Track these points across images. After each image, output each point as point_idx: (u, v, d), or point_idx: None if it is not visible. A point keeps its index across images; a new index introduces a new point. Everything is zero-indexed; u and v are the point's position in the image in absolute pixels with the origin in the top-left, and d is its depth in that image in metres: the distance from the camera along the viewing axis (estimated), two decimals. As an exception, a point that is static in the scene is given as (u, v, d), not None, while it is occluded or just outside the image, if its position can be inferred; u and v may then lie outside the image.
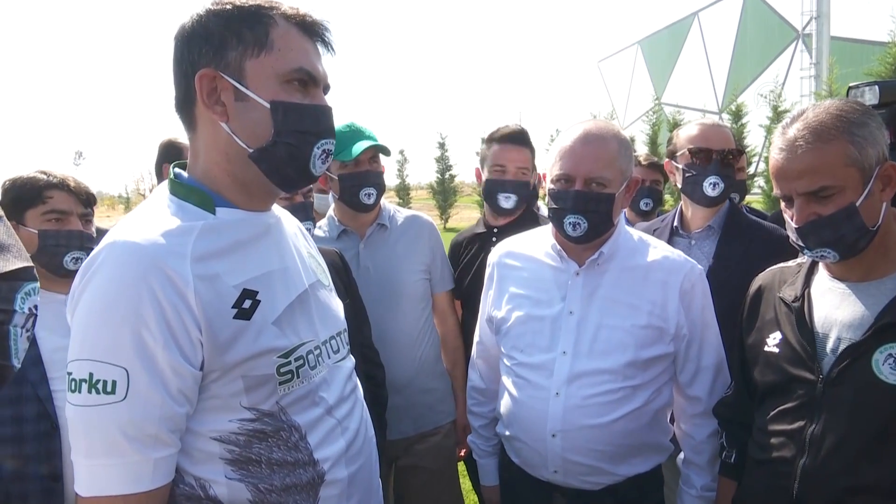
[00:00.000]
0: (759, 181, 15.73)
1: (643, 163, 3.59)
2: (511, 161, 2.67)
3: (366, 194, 2.48)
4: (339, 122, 2.52)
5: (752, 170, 16.03)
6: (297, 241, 1.48)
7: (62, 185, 2.07)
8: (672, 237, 2.47)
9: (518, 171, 2.68)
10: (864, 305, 1.50)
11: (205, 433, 1.22)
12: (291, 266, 1.38)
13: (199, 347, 1.17)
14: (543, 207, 2.99)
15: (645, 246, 1.96)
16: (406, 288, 2.56)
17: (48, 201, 2.05)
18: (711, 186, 2.35)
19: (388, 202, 2.70)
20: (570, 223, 1.83)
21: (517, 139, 2.71)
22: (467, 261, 2.77)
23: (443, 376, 2.67)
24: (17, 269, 0.97)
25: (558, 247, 1.94)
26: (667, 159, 2.55)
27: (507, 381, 2.00)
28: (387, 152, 2.56)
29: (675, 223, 2.52)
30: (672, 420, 2.04)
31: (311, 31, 1.30)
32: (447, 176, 26.64)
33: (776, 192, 1.55)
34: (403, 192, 28.04)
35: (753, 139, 16.32)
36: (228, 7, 1.24)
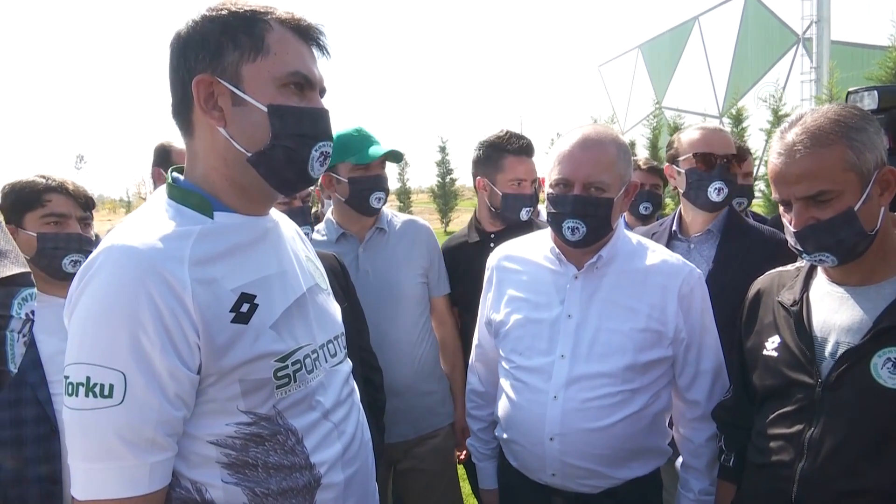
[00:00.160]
0: (760, 185, 15.73)
1: (643, 167, 3.59)
2: (528, 174, 2.70)
3: (376, 198, 2.49)
4: (341, 126, 2.54)
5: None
6: (296, 245, 1.49)
7: (61, 189, 2.08)
8: (671, 241, 2.47)
9: (532, 183, 2.72)
10: (862, 309, 1.50)
11: (202, 437, 1.22)
12: (289, 270, 1.38)
13: (196, 351, 1.17)
14: (544, 212, 3.00)
15: (643, 249, 1.96)
16: (405, 291, 2.57)
17: (47, 205, 2.05)
18: (716, 192, 2.35)
19: (386, 206, 2.70)
20: (568, 227, 1.83)
21: (530, 151, 2.73)
22: (464, 266, 2.76)
23: (441, 379, 2.68)
24: (13, 275, 0.97)
25: (557, 250, 1.94)
26: (667, 164, 2.55)
27: (505, 384, 2.00)
28: (401, 158, 2.58)
29: (674, 227, 2.52)
30: (671, 424, 2.04)
31: (307, 35, 1.31)
32: (448, 180, 26.65)
33: (775, 196, 1.55)
34: (404, 196, 28.04)
35: (754, 143, 16.31)
36: (224, 13, 1.25)
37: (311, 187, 2.19)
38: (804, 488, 1.48)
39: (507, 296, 2.03)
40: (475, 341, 2.26)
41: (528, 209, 2.71)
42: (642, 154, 15.00)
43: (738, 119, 16.56)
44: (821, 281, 1.62)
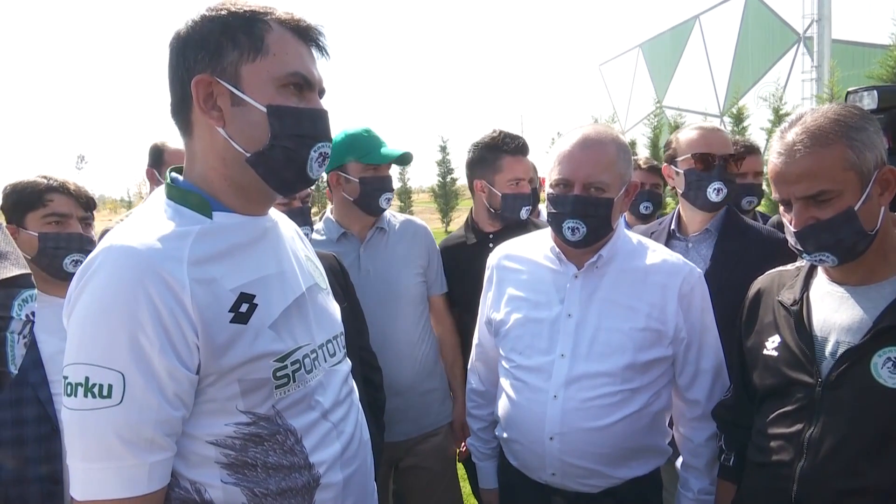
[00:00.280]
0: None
1: (643, 166, 3.59)
2: (525, 173, 2.72)
3: (385, 199, 2.52)
4: (349, 126, 2.56)
5: (753, 172, 15.97)
6: (295, 245, 1.49)
7: (62, 189, 2.10)
8: (669, 240, 2.47)
9: (529, 182, 2.74)
10: (862, 309, 1.50)
11: (201, 437, 1.22)
12: (288, 269, 1.38)
13: (195, 351, 1.17)
14: (544, 212, 3.00)
15: (644, 249, 1.96)
16: (406, 291, 2.59)
17: (48, 204, 2.07)
18: (716, 192, 2.35)
19: None
20: (568, 228, 1.83)
21: (526, 150, 2.75)
22: (464, 267, 2.77)
23: (442, 377, 2.70)
24: (14, 276, 0.98)
25: (557, 249, 1.94)
26: (665, 164, 2.55)
27: (505, 383, 2.00)
28: (411, 160, 2.62)
29: (673, 226, 2.53)
30: (671, 423, 2.04)
31: (306, 35, 1.31)
32: (448, 179, 26.65)
33: (775, 196, 1.55)
34: (405, 196, 28.04)
35: (755, 142, 16.27)
36: (223, 13, 1.25)
37: (312, 187, 2.20)
38: (804, 487, 1.48)
39: (507, 295, 2.03)
40: (475, 340, 2.26)
41: (527, 208, 2.72)
42: (643, 153, 15.00)
43: (738, 118, 16.53)
44: (821, 280, 1.62)
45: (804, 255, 1.53)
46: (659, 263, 1.91)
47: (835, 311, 1.55)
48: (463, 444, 2.53)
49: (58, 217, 2.08)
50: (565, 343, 1.86)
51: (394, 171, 2.63)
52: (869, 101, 1.82)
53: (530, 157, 3.67)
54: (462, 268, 2.77)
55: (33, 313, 1.00)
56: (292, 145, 1.26)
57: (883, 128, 1.51)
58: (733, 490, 1.77)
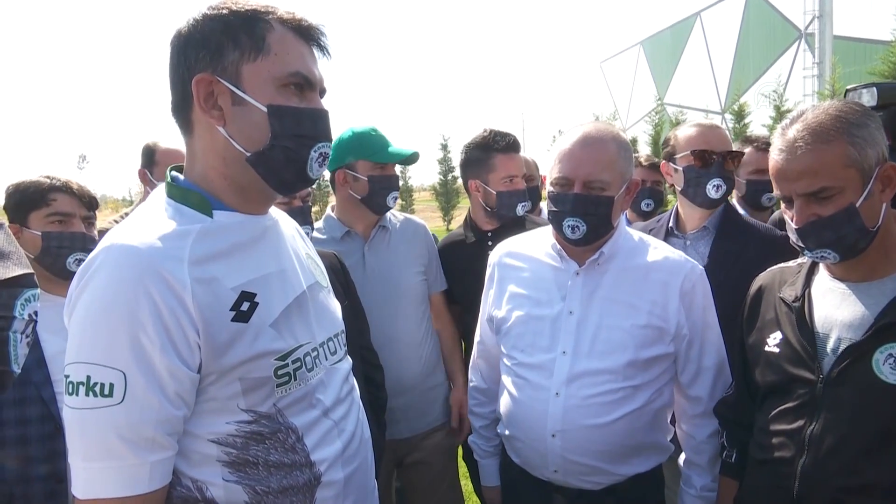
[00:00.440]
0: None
1: (644, 164, 3.59)
2: (518, 169, 2.73)
3: (392, 197, 2.54)
4: (356, 125, 2.57)
5: (755, 169, 15.95)
6: (296, 243, 1.49)
7: (65, 189, 2.11)
8: (667, 238, 2.47)
9: (522, 178, 2.75)
10: (864, 306, 1.50)
11: (202, 435, 1.22)
12: (289, 268, 1.38)
13: (196, 350, 1.17)
14: (545, 209, 3.01)
15: (645, 246, 1.96)
16: (410, 289, 2.60)
17: (52, 204, 2.09)
18: (715, 188, 2.35)
19: None
20: (569, 226, 1.83)
21: (518, 147, 2.76)
22: (463, 266, 2.79)
23: (444, 374, 2.72)
24: (17, 276, 0.98)
25: (558, 247, 1.94)
26: (663, 161, 2.55)
27: (507, 380, 2.00)
28: (418, 160, 2.63)
29: (671, 224, 2.53)
30: (673, 420, 2.04)
31: (307, 35, 1.30)
32: (450, 177, 26.66)
33: (776, 192, 1.55)
34: (406, 194, 28.06)
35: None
36: (225, 12, 1.24)
37: (313, 186, 2.20)
38: (805, 484, 1.48)
39: (508, 292, 2.03)
40: (477, 338, 2.26)
41: (523, 204, 2.73)
42: (644, 151, 14.99)
43: (740, 115, 16.53)
44: (823, 277, 1.62)
45: (806, 251, 1.53)
46: (660, 261, 1.91)
47: (836, 307, 1.55)
48: (465, 423, 2.54)
49: (61, 216, 2.09)
50: (567, 340, 1.86)
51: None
52: (868, 98, 1.81)
53: (532, 154, 3.67)
54: (462, 266, 2.79)
55: (36, 313, 1.00)
56: (292, 145, 1.26)
57: (882, 125, 1.51)
58: (735, 487, 1.77)
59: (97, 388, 1.10)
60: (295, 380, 1.29)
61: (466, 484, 2.99)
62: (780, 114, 15.30)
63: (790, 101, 16.05)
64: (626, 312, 1.85)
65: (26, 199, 2.08)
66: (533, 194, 3.53)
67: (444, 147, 26.86)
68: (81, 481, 1.13)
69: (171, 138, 3.50)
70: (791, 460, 1.52)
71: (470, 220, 2.90)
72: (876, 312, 1.47)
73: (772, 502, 1.57)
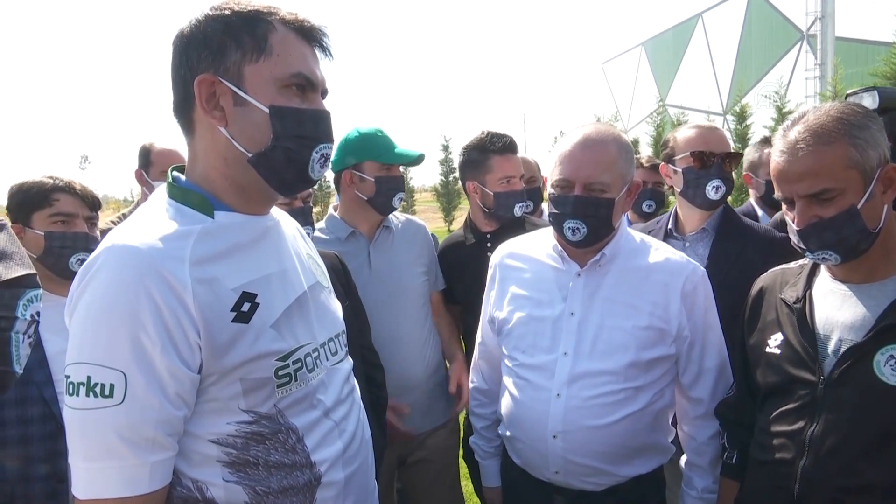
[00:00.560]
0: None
1: (645, 165, 3.59)
2: (515, 170, 2.73)
3: (398, 198, 2.56)
4: (344, 127, 2.57)
5: (756, 171, 15.95)
6: (297, 243, 1.49)
7: (68, 189, 2.13)
8: (666, 239, 2.47)
9: (521, 178, 2.76)
10: (865, 307, 1.50)
11: (203, 436, 1.22)
12: (290, 268, 1.38)
13: (197, 351, 1.17)
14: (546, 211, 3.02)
15: (647, 247, 1.96)
16: (414, 289, 2.62)
17: (55, 204, 2.10)
18: (714, 190, 2.35)
19: None
20: (569, 228, 1.83)
21: (515, 147, 2.77)
22: (463, 267, 2.81)
23: (446, 372, 2.73)
24: (19, 277, 0.98)
25: (560, 248, 1.94)
26: (662, 163, 2.55)
27: (508, 381, 2.00)
28: (423, 161, 2.64)
29: (670, 225, 2.53)
30: (674, 422, 2.04)
31: (310, 36, 1.30)
32: (451, 178, 26.68)
33: (778, 194, 1.55)
34: (407, 195, 28.07)
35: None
36: (227, 12, 1.24)
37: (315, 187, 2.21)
38: (806, 485, 1.48)
39: (509, 293, 2.03)
40: (478, 339, 2.26)
41: (520, 205, 2.74)
42: (646, 152, 14.97)
43: (741, 116, 16.51)
44: (824, 278, 1.62)
45: (807, 253, 1.53)
46: (662, 262, 1.91)
47: (837, 308, 1.55)
48: (464, 390, 2.55)
49: (64, 216, 2.11)
50: (568, 341, 1.86)
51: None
52: (870, 102, 1.81)
53: (533, 155, 3.68)
54: (461, 267, 2.81)
55: (38, 313, 1.01)
56: (294, 146, 1.26)
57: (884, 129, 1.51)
58: (736, 488, 1.77)
59: (98, 389, 1.10)
60: (296, 380, 1.29)
61: (467, 485, 2.99)
62: (781, 115, 15.28)
63: (792, 103, 16.03)
64: (627, 313, 1.85)
65: (29, 199, 2.09)
66: (534, 195, 3.54)
67: (446, 148, 26.91)
68: (82, 481, 1.13)
69: (168, 139, 3.54)
70: (791, 461, 1.52)
71: (470, 222, 2.91)
72: (877, 314, 1.47)
73: (772, 503, 1.57)
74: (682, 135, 2.47)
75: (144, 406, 1.12)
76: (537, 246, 2.04)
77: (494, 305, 2.09)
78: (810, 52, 21.30)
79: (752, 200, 3.47)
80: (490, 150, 2.73)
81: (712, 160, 2.36)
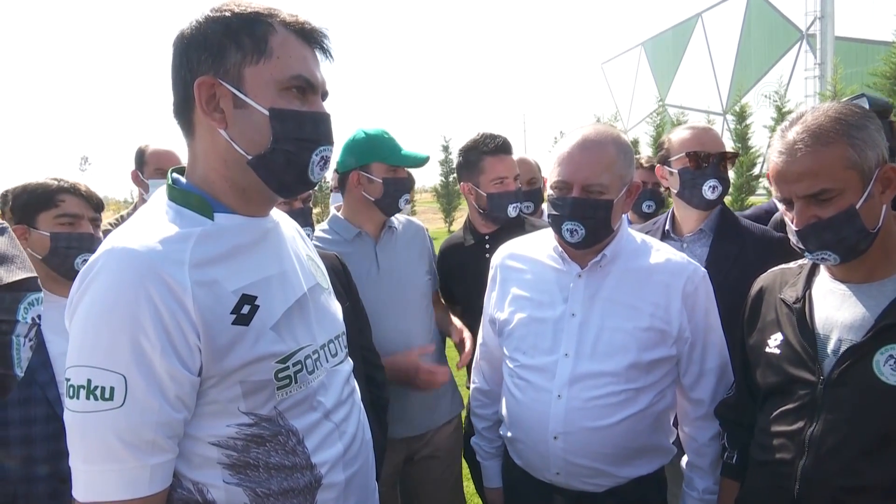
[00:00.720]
0: (764, 182, 15.68)
1: (645, 165, 3.59)
2: (508, 171, 2.74)
3: (404, 200, 2.56)
4: (344, 128, 2.57)
5: (756, 170, 16.00)
6: (296, 245, 1.49)
7: (74, 190, 2.15)
8: (663, 240, 2.47)
9: (515, 179, 2.76)
10: (864, 307, 1.50)
11: (203, 438, 1.22)
12: (290, 270, 1.38)
13: (197, 353, 1.17)
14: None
15: (648, 248, 1.96)
16: (420, 287, 2.64)
17: (60, 205, 2.12)
18: (711, 189, 2.36)
19: None
20: (567, 230, 1.84)
21: (508, 148, 2.77)
22: (462, 268, 2.82)
23: (449, 368, 2.72)
24: (20, 280, 0.99)
25: (560, 249, 1.94)
26: (658, 165, 2.56)
27: (509, 382, 2.00)
28: (427, 162, 2.66)
29: (667, 226, 2.53)
30: (675, 423, 2.04)
31: (310, 38, 1.30)
32: (451, 179, 26.70)
33: (776, 195, 1.55)
34: (408, 196, 28.06)
35: (758, 140, 16.29)
36: (228, 14, 1.24)
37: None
38: (805, 485, 1.48)
39: (510, 294, 2.03)
40: (479, 340, 2.26)
41: (514, 205, 2.74)
42: (645, 152, 14.96)
43: (741, 116, 16.52)
44: (823, 278, 1.62)
45: (806, 253, 1.53)
46: (663, 263, 1.91)
47: (837, 308, 1.55)
48: (467, 353, 2.56)
49: (70, 217, 2.13)
50: (569, 342, 1.86)
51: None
52: None
53: (533, 156, 3.67)
54: (461, 269, 2.82)
55: (39, 316, 1.01)
56: (294, 149, 1.26)
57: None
58: (736, 488, 1.77)
59: (98, 392, 1.10)
60: (295, 382, 1.29)
61: (468, 485, 2.99)
62: (781, 115, 15.29)
63: (791, 102, 16.04)
64: (628, 314, 1.85)
65: (35, 200, 2.11)
66: (535, 196, 3.54)
67: (446, 149, 26.93)
68: (82, 484, 1.14)
69: (164, 140, 3.59)
70: (791, 461, 1.52)
71: (469, 224, 2.93)
72: (876, 314, 1.47)
73: (772, 503, 1.57)
74: (677, 136, 2.48)
75: (144, 409, 1.12)
76: (538, 247, 2.04)
77: (495, 306, 2.09)
78: (810, 52, 21.32)
79: (774, 198, 3.47)
80: (482, 151, 2.74)
81: (708, 160, 2.37)
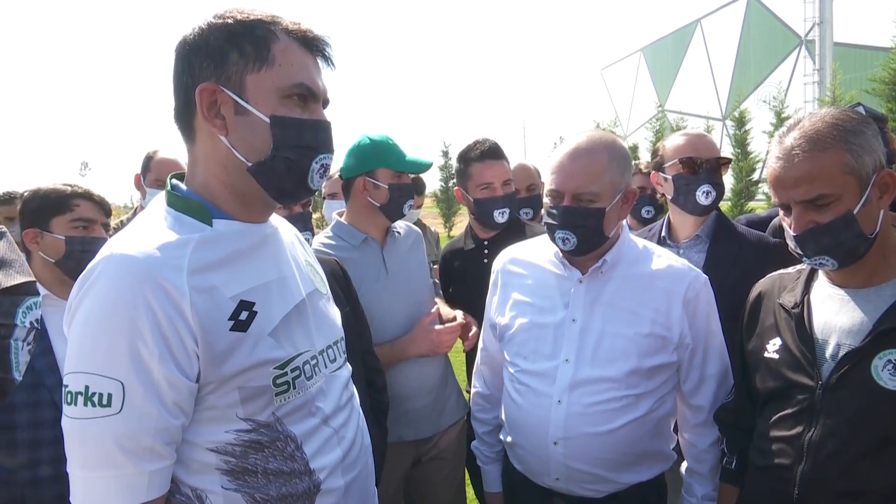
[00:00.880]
0: (764, 187, 15.70)
1: (644, 171, 3.59)
2: (497, 177, 2.75)
3: (408, 205, 2.57)
4: (346, 133, 2.59)
5: (755, 176, 16.03)
6: (295, 250, 1.49)
7: (87, 196, 2.23)
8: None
9: (503, 185, 2.76)
10: (863, 311, 1.50)
11: (201, 444, 1.22)
12: (289, 276, 1.38)
13: (195, 359, 1.17)
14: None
15: (649, 254, 1.96)
16: (426, 291, 2.66)
17: (75, 209, 2.18)
18: (704, 195, 2.36)
19: None
20: (560, 238, 1.85)
21: (495, 154, 2.78)
22: (461, 272, 2.84)
23: (452, 369, 2.75)
24: (19, 284, 0.99)
25: (561, 255, 1.94)
26: (653, 171, 2.57)
27: (509, 387, 2.00)
28: (429, 168, 2.68)
29: (663, 233, 2.54)
30: (676, 428, 2.04)
31: (312, 45, 1.30)
32: (451, 184, 26.74)
33: (774, 200, 1.56)
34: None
35: (757, 145, 16.31)
36: (230, 21, 1.25)
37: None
38: (805, 490, 1.48)
39: (511, 299, 2.03)
40: (480, 344, 2.26)
41: (500, 210, 2.74)
42: (645, 158, 14.98)
43: (740, 122, 16.54)
44: (822, 283, 1.62)
45: (804, 258, 1.53)
46: (664, 269, 1.90)
47: (835, 313, 1.55)
48: (471, 334, 2.57)
49: (84, 222, 2.19)
50: (570, 348, 1.86)
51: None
52: None
53: (532, 161, 3.68)
54: (460, 273, 2.85)
55: (37, 320, 1.01)
56: (294, 156, 1.26)
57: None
58: (736, 493, 1.77)
59: (95, 398, 1.10)
60: (294, 388, 1.29)
61: (468, 490, 2.99)
62: (780, 120, 15.31)
63: (791, 108, 16.06)
64: (629, 320, 1.85)
65: (49, 204, 2.17)
66: (534, 202, 3.54)
67: (445, 154, 26.97)
68: (80, 491, 1.14)
69: (172, 146, 3.59)
70: (790, 466, 1.52)
71: (469, 228, 2.95)
72: (875, 318, 1.47)
73: (772, 508, 1.57)
74: (671, 143, 2.50)
75: (142, 415, 1.12)
76: (540, 252, 2.04)
77: (496, 311, 2.09)
78: (809, 58, 21.39)
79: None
80: (470, 157, 2.77)
81: (701, 166, 2.38)
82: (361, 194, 2.54)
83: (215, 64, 1.23)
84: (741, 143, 16.39)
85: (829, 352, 1.52)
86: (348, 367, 1.54)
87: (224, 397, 1.22)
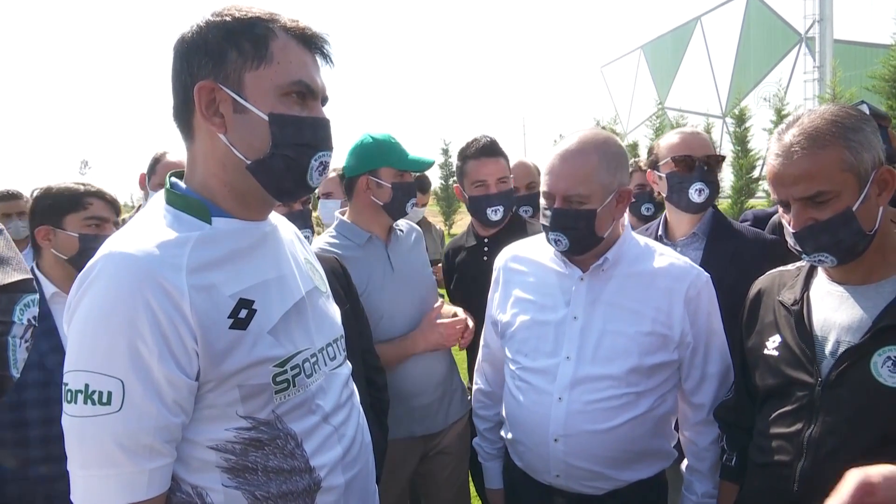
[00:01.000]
0: (764, 185, 15.71)
1: (643, 168, 3.59)
2: (490, 174, 2.75)
3: (411, 204, 2.58)
4: (346, 132, 2.59)
5: (755, 173, 16.03)
6: (294, 248, 1.49)
7: (100, 195, 2.28)
8: None
9: (499, 182, 2.76)
10: (862, 308, 1.50)
11: (201, 442, 1.22)
12: (288, 274, 1.38)
13: (194, 358, 1.17)
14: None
15: (651, 252, 1.95)
16: (429, 287, 2.67)
17: (89, 207, 2.23)
18: (697, 192, 2.37)
19: None
20: (553, 239, 1.86)
21: (491, 151, 2.78)
22: (462, 269, 2.86)
23: (456, 366, 2.76)
24: (16, 282, 0.99)
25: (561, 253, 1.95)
26: (648, 170, 2.57)
27: (510, 384, 2.00)
28: (431, 166, 2.69)
29: (660, 231, 2.54)
30: (677, 426, 2.04)
31: (311, 43, 1.30)
32: (451, 182, 26.74)
33: (774, 197, 1.56)
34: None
35: (757, 143, 16.32)
36: (229, 19, 1.24)
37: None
38: (804, 487, 1.48)
39: (513, 297, 2.04)
40: (482, 342, 2.27)
41: (493, 208, 2.75)
42: (645, 155, 14.97)
43: (741, 119, 16.55)
44: (821, 280, 1.62)
45: (803, 255, 1.53)
46: (666, 267, 1.90)
47: (835, 310, 1.55)
48: (467, 330, 2.58)
49: (97, 220, 2.24)
50: (570, 346, 1.86)
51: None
52: None
53: (533, 159, 3.68)
54: (461, 270, 2.86)
55: (35, 318, 1.01)
56: (293, 154, 1.26)
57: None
58: (735, 491, 1.77)
59: (95, 397, 1.10)
60: (294, 386, 1.29)
61: (470, 486, 3.00)
62: (780, 117, 15.33)
63: (791, 105, 16.08)
64: (630, 319, 1.85)
65: (63, 202, 2.21)
66: (534, 200, 3.54)
67: (445, 152, 26.99)
68: (80, 489, 1.14)
69: (177, 147, 3.57)
70: (790, 463, 1.52)
71: (471, 226, 2.96)
72: (874, 315, 1.47)
73: (772, 506, 1.57)
74: (665, 141, 2.51)
75: (142, 413, 1.12)
76: (541, 250, 2.04)
77: (498, 308, 2.10)
78: (809, 55, 21.38)
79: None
80: (466, 155, 2.79)
81: (694, 163, 2.38)
82: (365, 193, 2.54)
83: (214, 62, 1.23)
84: (741, 140, 16.40)
85: (828, 349, 1.52)
86: (348, 365, 1.54)
87: (224, 395, 1.22)
